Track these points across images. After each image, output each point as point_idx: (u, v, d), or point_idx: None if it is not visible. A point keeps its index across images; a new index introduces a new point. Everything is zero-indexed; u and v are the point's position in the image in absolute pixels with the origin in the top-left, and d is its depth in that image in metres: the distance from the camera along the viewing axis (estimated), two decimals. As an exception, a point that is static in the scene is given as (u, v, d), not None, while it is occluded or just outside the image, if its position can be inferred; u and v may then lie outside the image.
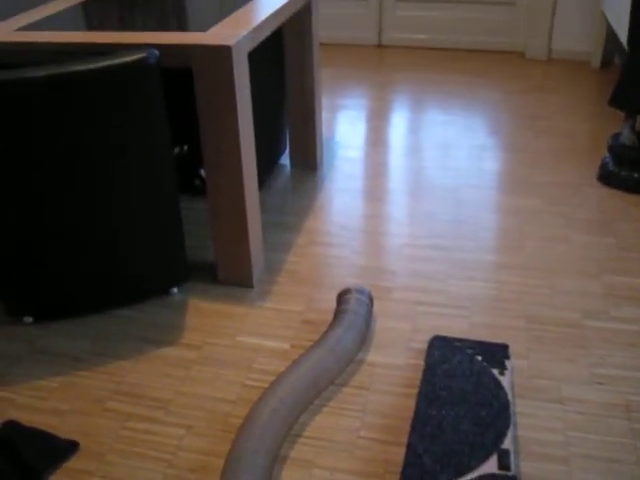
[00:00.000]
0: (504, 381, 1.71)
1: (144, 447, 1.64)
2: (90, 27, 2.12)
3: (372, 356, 1.88)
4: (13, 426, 1.69)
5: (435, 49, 4.54)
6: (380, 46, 4.64)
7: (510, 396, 1.67)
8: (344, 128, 3.37)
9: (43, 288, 1.99)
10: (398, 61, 4.34)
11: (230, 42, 1.84)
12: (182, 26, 2.07)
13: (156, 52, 1.77)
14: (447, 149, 3.09)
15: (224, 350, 1.93)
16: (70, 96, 1.71)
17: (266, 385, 1.80)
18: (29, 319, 2.08)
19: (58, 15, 2.27)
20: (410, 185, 2.79)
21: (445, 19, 4.45)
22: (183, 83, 2.27)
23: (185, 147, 2.69)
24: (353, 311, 1.89)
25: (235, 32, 1.94)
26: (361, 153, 3.09)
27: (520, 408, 1.69)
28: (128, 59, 1.72)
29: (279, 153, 2.97)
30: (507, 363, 1.78)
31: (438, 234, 2.43)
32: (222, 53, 1.84)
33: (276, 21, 2.21)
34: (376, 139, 3.23)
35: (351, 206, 2.65)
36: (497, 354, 1.81)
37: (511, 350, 1.88)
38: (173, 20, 2.16)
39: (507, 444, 1.54)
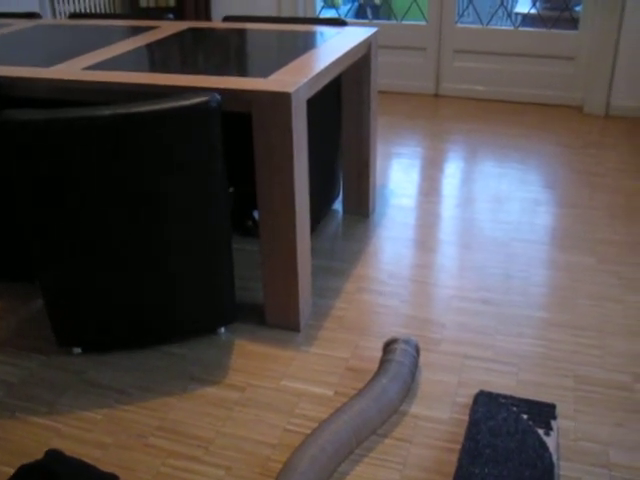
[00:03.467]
0: (549, 442, 1.68)
1: (183, 486, 1.65)
2: (154, 69, 2.18)
3: (416, 408, 1.87)
4: (56, 456, 1.70)
5: (492, 101, 4.55)
6: (437, 96, 4.67)
7: (555, 458, 1.63)
8: (398, 176, 3.39)
9: (93, 321, 2.03)
10: (454, 111, 4.35)
11: (290, 89, 1.88)
12: (243, 71, 2.12)
13: (218, 96, 1.81)
14: (500, 202, 3.07)
15: (267, 393, 1.93)
16: (133, 135, 1.76)
17: (308, 431, 1.80)
18: (78, 350, 2.12)
19: (124, 56, 2.35)
20: (461, 237, 2.78)
21: (503, 71, 4.46)
22: (238, 126, 2.32)
23: (231, 189, 2.73)
24: (399, 362, 1.88)
25: (295, 79, 1.98)
26: (413, 202, 3.10)
27: (565, 471, 1.65)
28: (191, 102, 1.77)
29: (332, 198, 2.99)
30: (553, 423, 1.74)
31: (488, 288, 2.41)
32: (281, 99, 1.87)
33: (335, 70, 2.25)
34: (429, 189, 3.24)
35: (401, 255, 2.64)
36: (543, 413, 1.78)
37: (558, 410, 1.84)
38: (235, 65, 2.21)
39: (551, 508, 1.50)
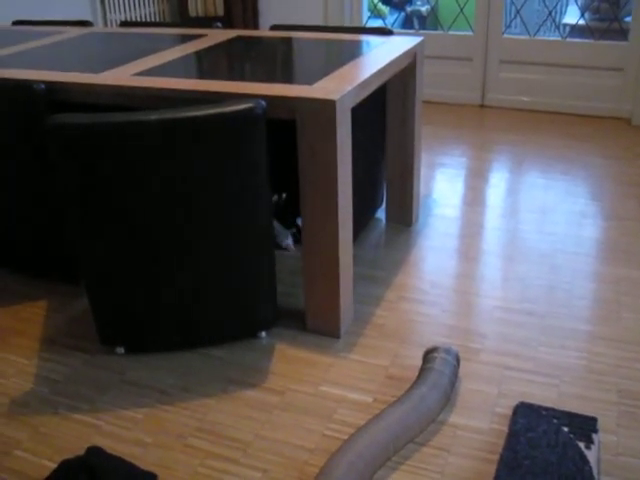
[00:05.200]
0: (590, 456, 1.65)
1: (220, 487, 1.66)
2: (201, 76, 2.22)
3: (455, 418, 1.85)
4: (96, 453, 1.73)
5: (538, 112, 4.50)
6: (482, 106, 4.64)
7: (595, 472, 1.61)
8: (442, 186, 3.38)
9: (136, 322, 2.06)
10: (500, 122, 4.32)
11: (335, 97, 1.89)
12: (289, 79, 2.14)
13: (263, 103, 1.83)
14: (545, 213, 3.04)
15: (306, 398, 1.94)
16: (179, 140, 1.79)
17: (345, 437, 1.80)
18: (121, 350, 2.15)
19: (172, 63, 2.39)
20: (505, 247, 2.76)
21: (549, 82, 4.42)
22: (288, 133, 2.34)
23: (284, 195, 2.75)
24: (438, 371, 1.87)
25: (340, 87, 1.99)
26: (457, 212, 3.08)
27: (606, 486, 1.63)
28: (236, 108, 1.79)
29: (375, 207, 2.99)
30: (594, 437, 1.72)
31: (531, 299, 2.39)
32: (326, 107, 1.89)
33: (380, 78, 2.26)
34: (473, 199, 3.22)
35: (444, 264, 2.63)
36: (585, 427, 1.75)
37: (600, 424, 1.81)
38: (280, 73, 2.23)
39: (590, 522, 1.48)
